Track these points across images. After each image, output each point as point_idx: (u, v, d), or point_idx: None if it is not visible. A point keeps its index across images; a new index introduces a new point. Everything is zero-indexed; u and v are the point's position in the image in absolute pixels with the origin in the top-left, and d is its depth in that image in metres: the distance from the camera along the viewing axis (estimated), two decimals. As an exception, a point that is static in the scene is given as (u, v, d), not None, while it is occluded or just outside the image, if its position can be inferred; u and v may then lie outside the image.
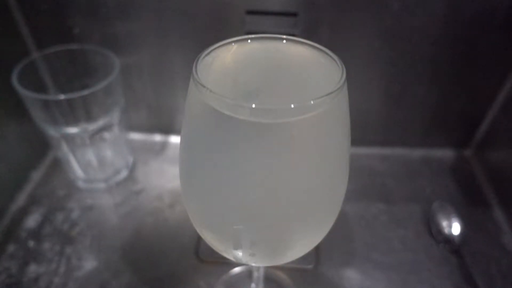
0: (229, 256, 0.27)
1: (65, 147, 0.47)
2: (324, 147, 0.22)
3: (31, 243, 0.44)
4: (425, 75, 0.50)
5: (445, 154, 0.57)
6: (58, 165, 0.54)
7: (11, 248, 0.44)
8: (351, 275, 0.42)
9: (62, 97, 0.41)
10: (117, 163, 0.52)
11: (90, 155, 0.49)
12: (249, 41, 0.25)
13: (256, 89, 0.24)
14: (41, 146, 0.54)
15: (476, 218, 0.48)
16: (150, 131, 0.59)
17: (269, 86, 0.24)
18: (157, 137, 0.59)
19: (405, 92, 0.52)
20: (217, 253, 0.28)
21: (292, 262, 0.27)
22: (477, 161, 0.56)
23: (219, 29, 0.47)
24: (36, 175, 0.53)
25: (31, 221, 0.47)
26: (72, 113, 0.43)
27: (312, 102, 0.19)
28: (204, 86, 0.20)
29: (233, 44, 0.25)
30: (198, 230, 0.27)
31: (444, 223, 0.45)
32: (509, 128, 0.50)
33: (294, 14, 0.46)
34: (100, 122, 0.46)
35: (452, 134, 0.57)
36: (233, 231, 0.24)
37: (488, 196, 0.51)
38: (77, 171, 0.50)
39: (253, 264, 0.30)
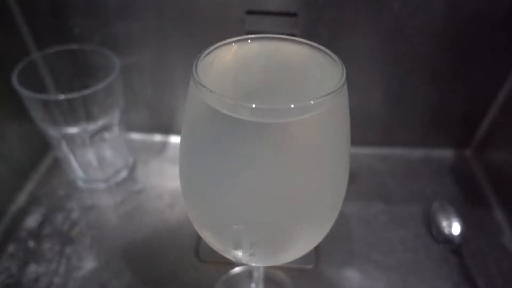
0: (229, 256, 0.27)
1: (65, 147, 0.47)
2: (324, 147, 0.22)
3: (31, 243, 0.44)
4: (425, 75, 0.50)
5: (445, 154, 0.57)
6: (58, 165, 0.54)
7: (11, 248, 0.44)
8: (351, 275, 0.42)
9: (62, 97, 0.41)
10: (117, 163, 0.52)
11: (90, 155, 0.49)
12: (249, 41, 0.25)
13: (256, 89, 0.24)
14: (41, 146, 0.54)
15: (476, 218, 0.48)
16: (150, 131, 0.59)
17: (269, 86, 0.24)
18: (157, 137, 0.59)
19: (405, 92, 0.52)
20: (217, 253, 0.28)
21: (292, 262, 0.27)
22: (477, 161, 0.56)
23: (219, 29, 0.47)
24: (36, 175, 0.53)
25: (31, 221, 0.47)
26: (72, 113, 0.43)
27: (312, 102, 0.19)
28: (204, 86, 0.20)
29: (233, 44, 0.25)
30: (198, 230, 0.27)
31: (444, 223, 0.45)
32: (509, 128, 0.50)
33: (294, 14, 0.46)
34: (100, 122, 0.46)
35: (452, 134, 0.57)
36: (233, 231, 0.24)
37: (488, 196, 0.51)
38: (77, 171, 0.50)
39: (253, 264, 0.30)
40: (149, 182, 0.52)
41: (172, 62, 0.51)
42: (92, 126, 0.46)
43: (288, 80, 0.25)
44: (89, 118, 0.45)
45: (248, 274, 0.43)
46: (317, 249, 0.44)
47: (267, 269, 0.42)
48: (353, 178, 0.29)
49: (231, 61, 0.25)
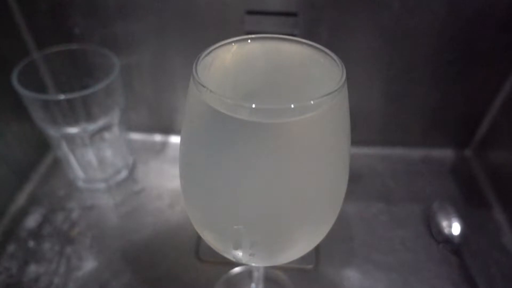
0: (229, 256, 0.27)
1: (65, 147, 0.47)
2: (324, 147, 0.22)
3: (31, 243, 0.44)
4: (425, 75, 0.50)
5: (445, 154, 0.57)
6: (58, 165, 0.54)
7: (11, 248, 0.44)
8: (351, 275, 0.42)
9: (62, 97, 0.41)
10: (117, 163, 0.52)
11: (90, 155, 0.49)
12: (249, 41, 0.25)
13: (256, 89, 0.24)
14: (41, 146, 0.54)
15: (476, 218, 0.48)
16: (150, 131, 0.59)
17: (269, 86, 0.24)
18: (157, 137, 0.59)
19: (405, 92, 0.52)
20: (217, 253, 0.28)
21: (292, 262, 0.27)
22: (477, 161, 0.56)
23: (219, 29, 0.47)
24: (36, 175, 0.53)
25: (31, 221, 0.47)
26: (72, 113, 0.43)
27: (312, 102, 0.19)
28: (204, 86, 0.20)
29: (233, 44, 0.25)
30: (198, 230, 0.27)
31: (444, 223, 0.45)
32: (509, 128, 0.50)
33: (294, 14, 0.46)
34: (100, 122, 0.46)
35: (452, 134, 0.57)
36: (233, 231, 0.24)
37: (488, 196, 0.51)
38: (77, 171, 0.50)
39: (253, 264, 0.30)
40: (149, 182, 0.52)
41: (172, 62, 0.51)
42: (92, 126, 0.46)
43: (288, 80, 0.25)
44: (89, 118, 0.45)
45: (248, 274, 0.43)
46: (317, 249, 0.44)
47: (267, 269, 0.42)
48: (353, 178, 0.29)
49: (231, 61, 0.25)
